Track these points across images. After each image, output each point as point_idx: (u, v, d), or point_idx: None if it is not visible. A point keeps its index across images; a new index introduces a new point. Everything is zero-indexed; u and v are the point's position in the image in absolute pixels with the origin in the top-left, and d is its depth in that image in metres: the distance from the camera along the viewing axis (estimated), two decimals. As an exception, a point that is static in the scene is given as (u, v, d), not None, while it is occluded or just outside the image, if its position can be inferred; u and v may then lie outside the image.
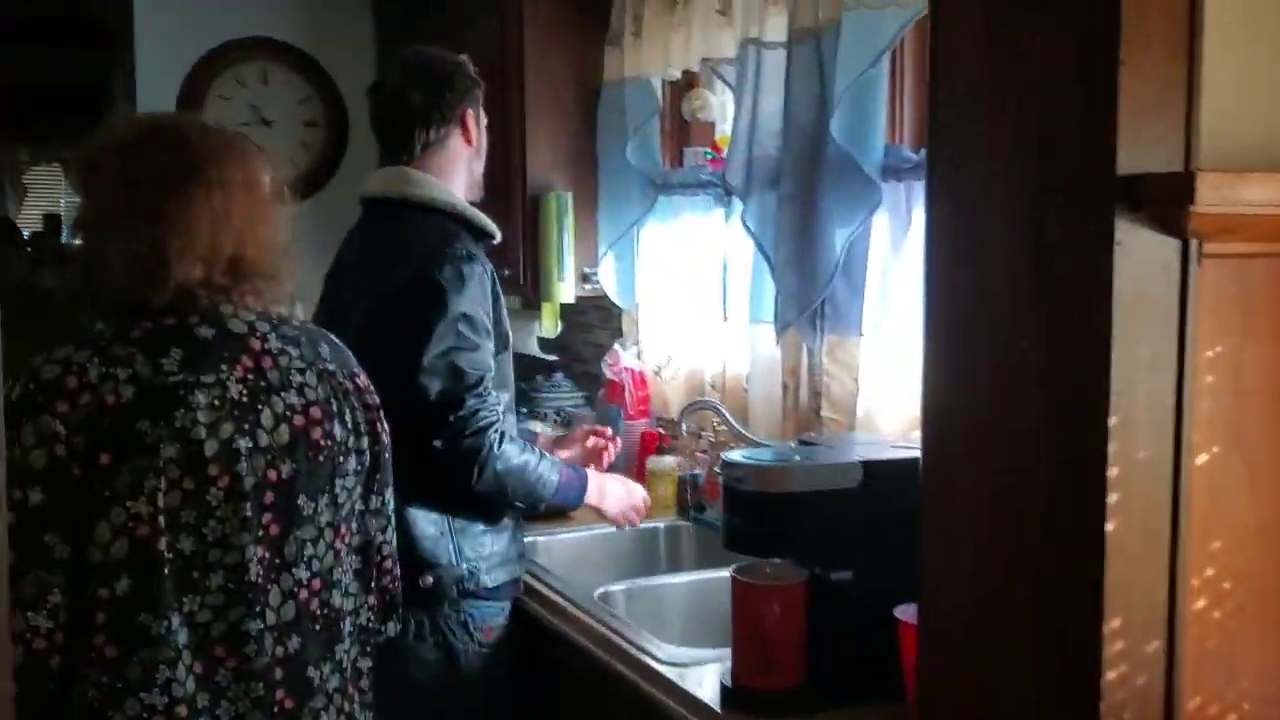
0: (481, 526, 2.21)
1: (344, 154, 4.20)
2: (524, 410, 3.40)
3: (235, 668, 1.50)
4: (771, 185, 2.54)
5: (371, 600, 1.69)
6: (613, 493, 2.40)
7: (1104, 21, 1.16)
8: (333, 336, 1.70)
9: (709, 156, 3.01)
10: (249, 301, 1.58)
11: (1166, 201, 1.14)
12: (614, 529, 2.49)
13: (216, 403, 1.48)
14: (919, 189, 2.26)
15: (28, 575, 1.41)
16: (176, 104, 4.21)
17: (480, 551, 2.21)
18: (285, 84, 4.25)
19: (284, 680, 1.54)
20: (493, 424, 2.10)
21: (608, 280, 3.21)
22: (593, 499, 2.34)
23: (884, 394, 2.37)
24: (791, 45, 2.48)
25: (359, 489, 1.65)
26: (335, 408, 1.60)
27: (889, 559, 1.68)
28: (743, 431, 2.62)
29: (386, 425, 1.70)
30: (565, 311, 3.46)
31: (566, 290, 3.15)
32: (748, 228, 2.60)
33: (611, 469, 2.65)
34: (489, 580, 2.21)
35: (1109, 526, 1.18)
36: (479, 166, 2.37)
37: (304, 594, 1.56)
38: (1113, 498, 1.18)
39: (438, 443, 2.07)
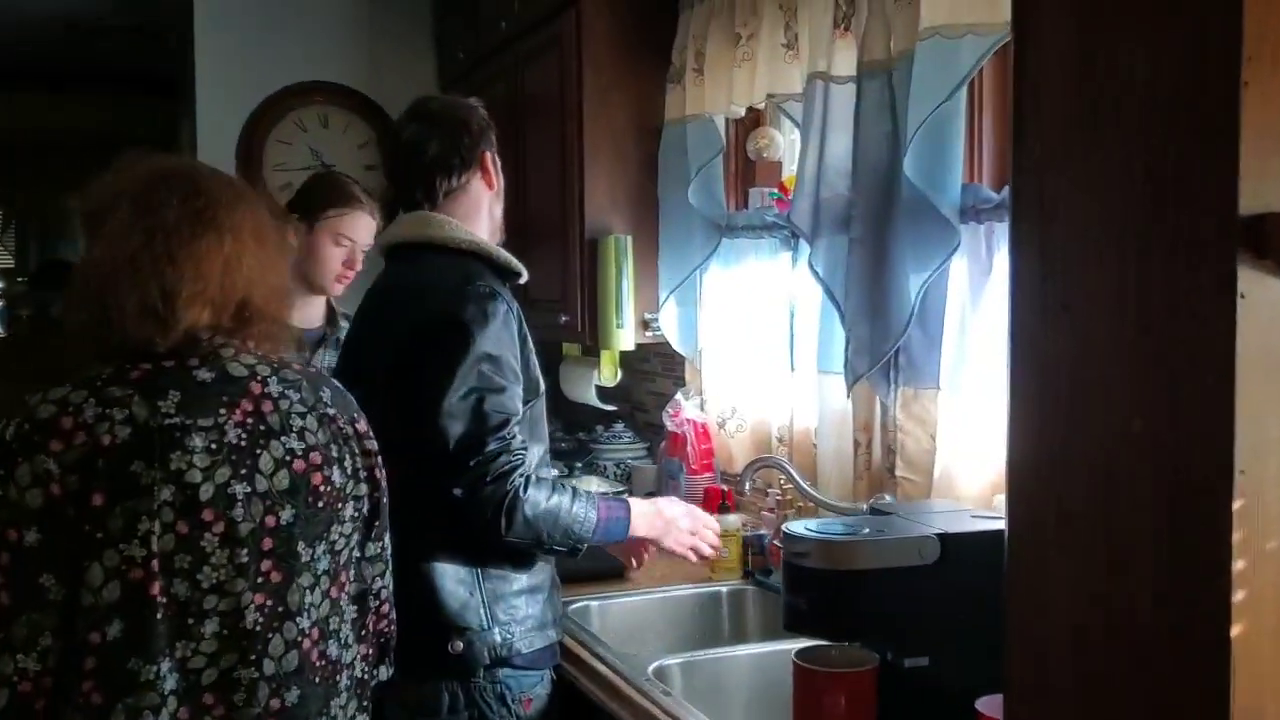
0: (514, 587, 2.07)
1: (404, 197, 4.13)
2: (579, 465, 3.27)
3: (223, 716, 1.49)
4: (841, 228, 2.41)
5: (365, 650, 1.66)
6: (669, 518, 2.21)
7: (1222, 36, 0.99)
8: (335, 382, 1.69)
9: (775, 197, 2.87)
10: (253, 346, 1.58)
11: (1300, 246, 0.96)
12: (671, 591, 2.30)
13: (213, 446, 1.48)
14: (1001, 231, 2.11)
15: (21, 617, 1.41)
16: (237, 149, 4.20)
17: (514, 615, 2.06)
18: (346, 128, 4.21)
19: None
20: (516, 468, 1.96)
21: (669, 327, 3.07)
22: (642, 529, 2.16)
23: (963, 452, 2.20)
24: (861, 79, 2.34)
25: (356, 536, 1.63)
26: (336, 453, 1.59)
27: (969, 643, 1.52)
28: (811, 491, 2.45)
29: (385, 471, 1.69)
30: (626, 359, 3.33)
31: (626, 337, 3.02)
32: (816, 273, 2.46)
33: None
34: (523, 646, 2.06)
35: (1234, 631, 1.00)
36: (500, 209, 2.27)
37: (306, 644, 1.54)
38: (1238, 596, 1.00)
39: (457, 491, 1.94)
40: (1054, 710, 1.20)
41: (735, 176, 3.12)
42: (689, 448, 2.97)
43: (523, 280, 2.20)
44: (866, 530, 1.63)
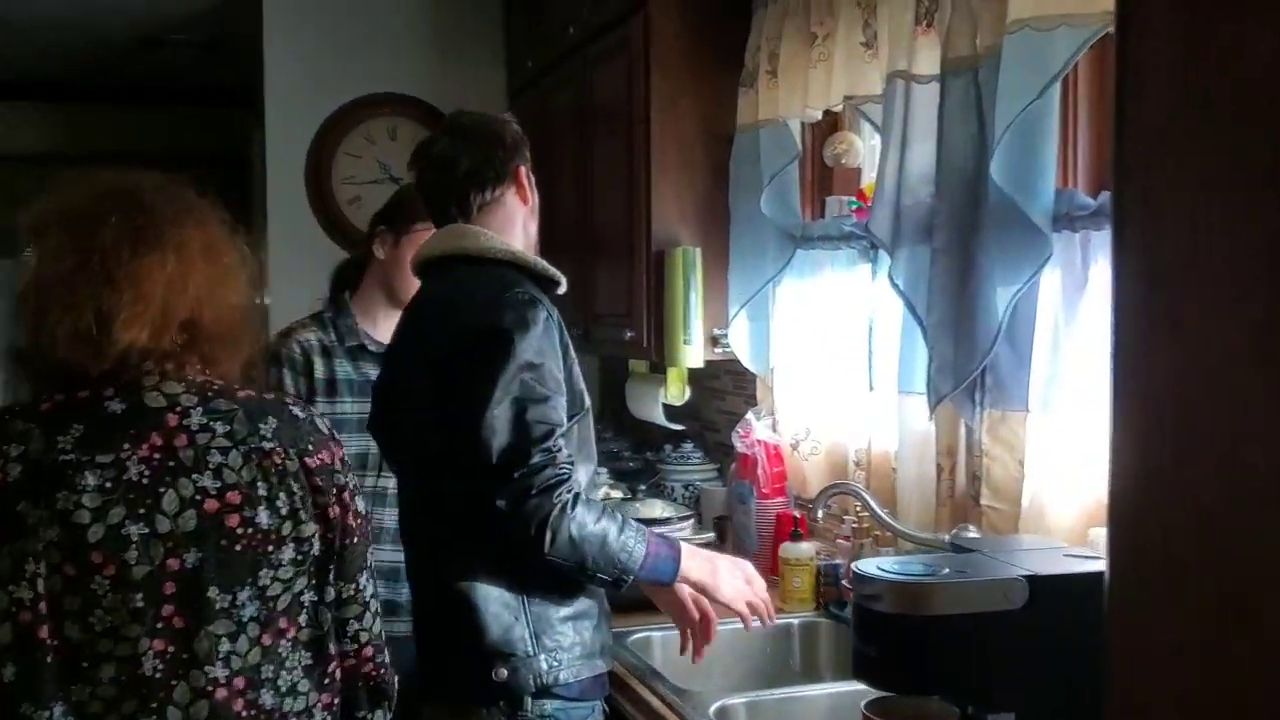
0: (561, 613, 1.95)
1: (473, 209, 4.06)
2: (642, 488, 3.13)
3: None
4: (923, 237, 2.27)
5: (328, 699, 1.57)
6: (724, 566, 2.05)
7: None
8: (294, 410, 1.58)
9: (854, 206, 2.72)
10: (200, 369, 1.51)
11: None
12: (740, 624, 2.13)
13: (108, 485, 1.41)
14: (1097, 240, 1.96)
15: None
16: (306, 162, 4.17)
17: (561, 642, 1.94)
18: (415, 140, 4.10)
19: None
20: (563, 481, 1.85)
21: (739, 343, 2.93)
22: (693, 572, 2.01)
23: (1054, 481, 2.04)
24: (945, 77, 2.20)
25: (306, 580, 1.53)
26: (264, 491, 1.49)
27: (1060, 697, 1.36)
28: (889, 520, 2.29)
29: (357, 506, 1.59)
30: (696, 376, 3.20)
31: (694, 354, 2.88)
32: (896, 286, 2.31)
33: (741, 555, 2.33)
34: (570, 675, 1.94)
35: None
36: (535, 226, 2.18)
37: (222, 693, 1.46)
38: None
39: (501, 503, 1.84)
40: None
41: (811, 184, 2.98)
42: (760, 470, 2.82)
43: (562, 290, 2.09)
44: (946, 570, 1.47)
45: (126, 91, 6.45)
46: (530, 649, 1.92)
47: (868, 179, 2.74)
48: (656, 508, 2.78)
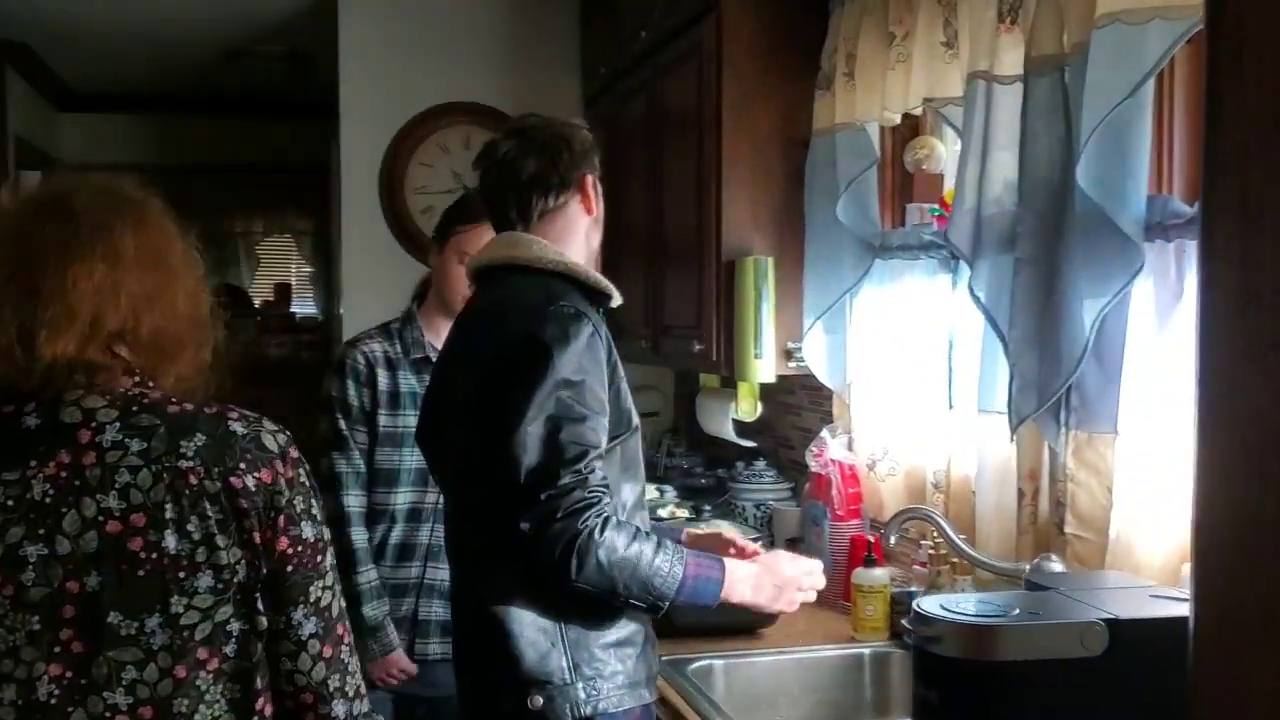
0: (602, 640, 1.85)
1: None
2: (707, 509, 3.02)
3: None
4: (1006, 246, 2.15)
5: None
6: (784, 578, 1.95)
7: None
8: (233, 426, 1.46)
9: (936, 214, 2.59)
10: (130, 382, 1.44)
11: None
12: (808, 651, 2.02)
13: (11, 503, 1.37)
14: (1193, 250, 1.81)
15: None
16: (379, 172, 4.15)
17: (601, 670, 1.84)
18: (489, 150, 4.08)
19: None
20: (591, 505, 1.75)
21: (814, 357, 2.80)
22: (746, 594, 1.91)
23: (1145, 511, 1.89)
24: (1029, 77, 2.07)
25: (229, 609, 1.44)
26: (171, 514, 1.39)
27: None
28: (965, 549, 2.16)
29: (299, 532, 1.46)
30: (770, 391, 3.08)
31: (765, 368, 2.77)
32: (976, 298, 2.19)
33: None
34: (611, 705, 1.84)
35: None
36: (598, 238, 2.07)
37: None
38: None
39: (525, 525, 1.75)
40: None
41: (891, 191, 2.86)
42: (834, 491, 2.70)
43: (615, 304, 1.99)
44: (1016, 611, 1.34)
45: (215, 103, 6.56)
46: (567, 677, 1.82)
47: (950, 185, 2.60)
48: (721, 529, 2.66)
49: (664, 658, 2.11)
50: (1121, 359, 1.96)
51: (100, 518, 1.38)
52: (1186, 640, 0.99)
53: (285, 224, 7.44)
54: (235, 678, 1.44)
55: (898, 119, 2.62)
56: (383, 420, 2.49)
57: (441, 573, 2.43)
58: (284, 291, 7.27)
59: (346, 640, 1.50)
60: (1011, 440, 2.17)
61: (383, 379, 2.51)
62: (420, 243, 3.99)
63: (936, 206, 2.62)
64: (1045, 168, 2.04)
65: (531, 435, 1.76)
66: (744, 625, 2.38)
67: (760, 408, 3.05)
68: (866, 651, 2.39)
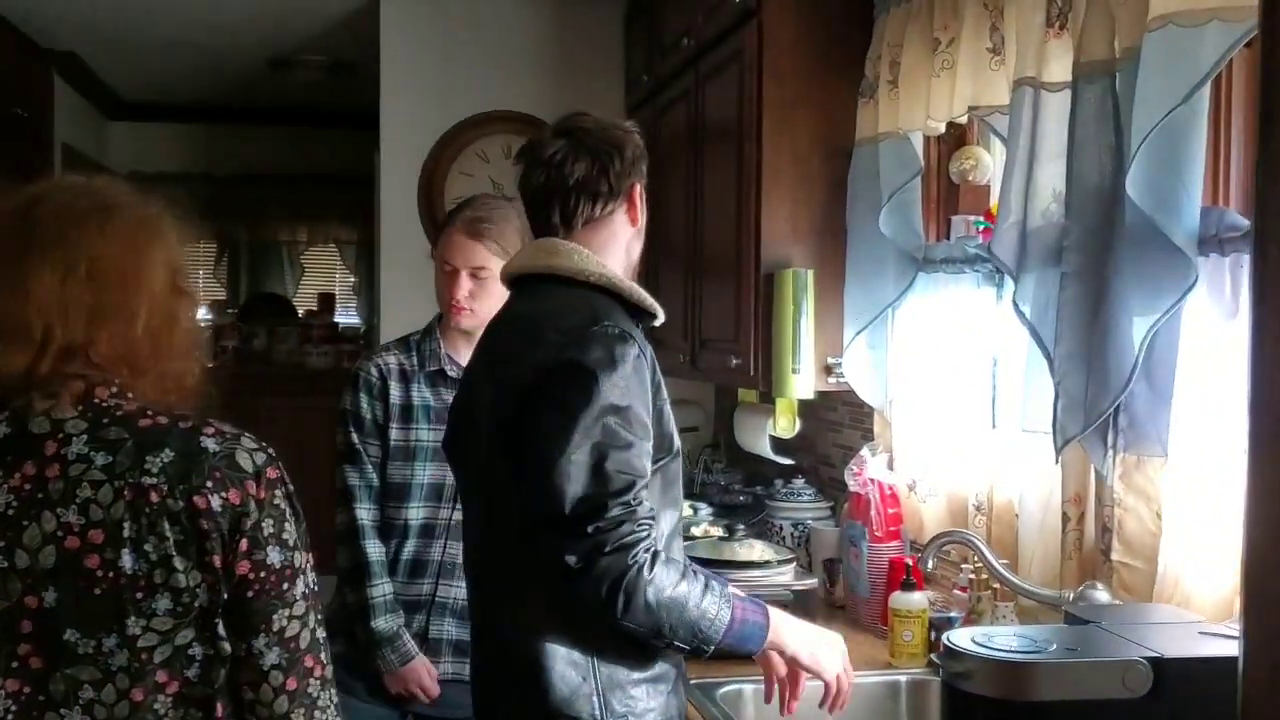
0: (635, 676, 1.78)
1: (588, 228, 3.97)
2: (741, 528, 2.94)
3: None
4: (1052, 260, 2.07)
5: None
6: (820, 643, 1.85)
7: None
8: (205, 443, 1.41)
9: (982, 226, 2.51)
10: (106, 393, 1.40)
11: None
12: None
13: None
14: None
15: None
16: (419, 181, 4.13)
17: (633, 707, 1.76)
18: (531, 158, 4.05)
19: None
20: (641, 540, 1.67)
21: (855, 372, 2.72)
22: (789, 643, 1.81)
23: (1196, 539, 1.80)
24: (1078, 83, 2.00)
25: (188, 633, 1.39)
26: (129, 533, 1.35)
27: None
28: (1007, 575, 2.07)
29: (265, 557, 1.41)
30: (810, 407, 3.00)
31: (804, 384, 2.69)
32: (1021, 313, 2.11)
33: (852, 602, 2.13)
34: None
35: None
36: (638, 249, 1.97)
37: None
38: None
39: (571, 559, 1.66)
40: None
41: (936, 202, 2.77)
42: (873, 512, 2.61)
43: (658, 322, 1.90)
44: (1054, 647, 1.26)
45: (262, 113, 6.59)
46: (597, 713, 1.74)
47: (997, 197, 2.52)
48: (755, 550, 2.58)
49: (692, 681, 2.04)
50: (1172, 379, 1.87)
51: (59, 532, 1.35)
52: (1236, 682, 0.92)
53: (329, 234, 7.45)
54: (197, 703, 1.40)
55: (942, 128, 2.54)
56: (394, 434, 2.43)
57: (454, 590, 2.37)
58: (327, 301, 7.28)
59: (318, 674, 1.44)
60: (1056, 462, 2.08)
61: (395, 392, 2.45)
62: (460, 254, 3.96)
63: (982, 219, 2.54)
64: (1094, 178, 1.97)
65: (576, 464, 1.67)
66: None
67: (799, 424, 2.97)
68: (903, 679, 2.30)
